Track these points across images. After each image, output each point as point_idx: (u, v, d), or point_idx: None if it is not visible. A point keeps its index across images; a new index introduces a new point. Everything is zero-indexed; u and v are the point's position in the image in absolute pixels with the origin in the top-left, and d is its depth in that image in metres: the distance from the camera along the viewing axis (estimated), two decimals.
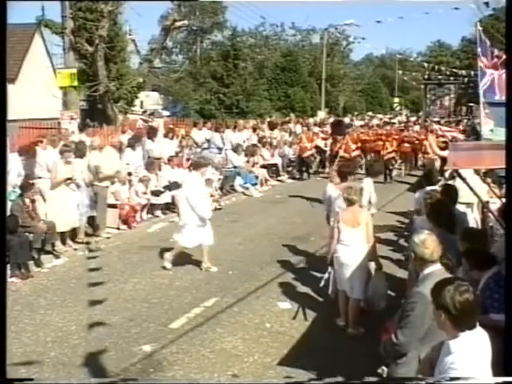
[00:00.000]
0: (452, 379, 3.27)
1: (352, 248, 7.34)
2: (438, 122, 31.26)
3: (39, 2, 20.39)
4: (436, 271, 4.50)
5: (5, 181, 5.08)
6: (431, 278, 4.41)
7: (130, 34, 21.81)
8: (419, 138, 22.80)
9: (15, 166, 10.94)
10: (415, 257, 4.62)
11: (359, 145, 22.20)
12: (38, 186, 10.95)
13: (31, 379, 4.74)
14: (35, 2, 21.07)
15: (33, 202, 10.32)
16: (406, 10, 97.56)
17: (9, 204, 10.03)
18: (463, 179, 6.22)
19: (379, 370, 5.32)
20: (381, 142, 22.56)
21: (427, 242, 4.57)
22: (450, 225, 6.60)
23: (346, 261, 7.37)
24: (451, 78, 43.68)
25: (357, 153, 20.92)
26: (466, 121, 36.51)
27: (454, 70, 42.24)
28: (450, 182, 8.85)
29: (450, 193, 7.67)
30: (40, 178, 11.37)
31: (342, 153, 16.58)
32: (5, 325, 3.74)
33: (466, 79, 42.10)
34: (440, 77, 44.85)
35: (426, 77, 46.15)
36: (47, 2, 20.33)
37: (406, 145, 22.59)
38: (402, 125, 30.31)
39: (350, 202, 7.51)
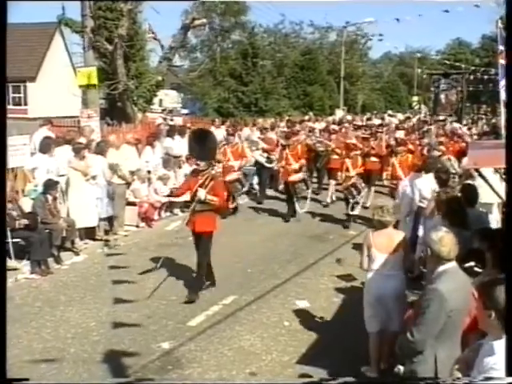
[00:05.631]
0: (488, 379, 3.23)
1: (387, 277, 6.23)
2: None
3: (60, 1, 20.49)
4: (451, 269, 4.48)
5: (5, 181, 5.19)
6: (446, 275, 4.41)
7: (151, 32, 21.79)
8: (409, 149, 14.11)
9: (43, 163, 11.05)
10: (432, 254, 4.58)
11: (303, 162, 14.55)
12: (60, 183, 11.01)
13: (27, 379, 4.77)
14: (56, 2, 21.20)
15: (54, 199, 10.39)
16: (424, 7, 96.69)
17: (30, 202, 10.17)
18: (484, 178, 6.17)
19: (395, 370, 5.29)
20: (336, 157, 15.54)
21: (444, 240, 4.53)
22: (463, 223, 6.58)
23: (381, 293, 6.25)
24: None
25: (299, 176, 13.93)
26: (483, 121, 35.29)
27: (472, 67, 41.50)
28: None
29: (469, 192, 7.63)
30: (62, 175, 11.42)
31: (203, 195, 8.66)
32: (5, 325, 3.79)
33: (485, 77, 41.49)
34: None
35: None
36: (67, 1, 20.43)
37: (373, 159, 15.28)
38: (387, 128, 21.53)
39: (382, 225, 6.41)
